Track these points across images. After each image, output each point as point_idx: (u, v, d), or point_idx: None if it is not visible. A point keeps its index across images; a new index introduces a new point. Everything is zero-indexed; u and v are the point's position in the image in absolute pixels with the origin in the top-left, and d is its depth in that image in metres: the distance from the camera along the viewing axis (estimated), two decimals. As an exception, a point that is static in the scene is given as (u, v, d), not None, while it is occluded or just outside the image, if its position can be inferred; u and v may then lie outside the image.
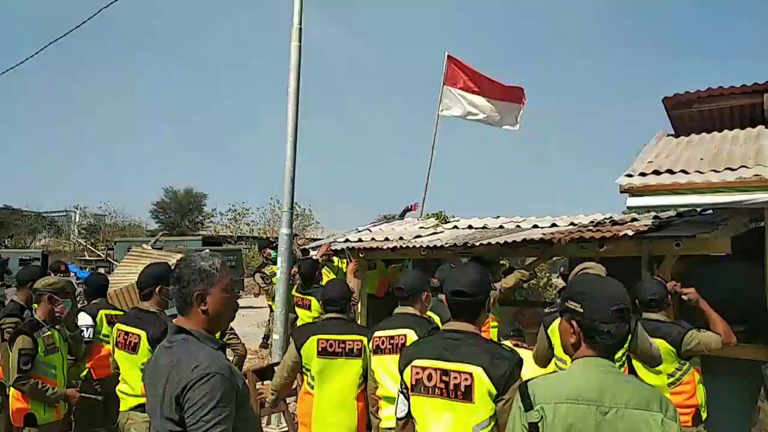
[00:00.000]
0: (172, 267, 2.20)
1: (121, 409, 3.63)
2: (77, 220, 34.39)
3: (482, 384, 2.25)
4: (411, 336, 3.25)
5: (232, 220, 28.92)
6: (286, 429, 5.64)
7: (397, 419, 2.52)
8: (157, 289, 3.63)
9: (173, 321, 2.10)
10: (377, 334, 3.42)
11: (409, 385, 2.43)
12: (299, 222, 26.79)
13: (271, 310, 6.99)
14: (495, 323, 5.10)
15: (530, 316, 7.12)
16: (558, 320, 2.14)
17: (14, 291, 5.57)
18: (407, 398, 2.44)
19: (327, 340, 3.55)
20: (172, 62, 70.83)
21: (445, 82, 8.00)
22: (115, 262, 14.98)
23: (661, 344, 3.47)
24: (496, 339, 4.94)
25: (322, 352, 3.54)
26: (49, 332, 3.83)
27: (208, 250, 2.39)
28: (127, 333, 3.57)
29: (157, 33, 71.32)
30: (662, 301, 3.70)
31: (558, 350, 3.42)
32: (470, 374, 2.27)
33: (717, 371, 4.96)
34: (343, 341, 3.56)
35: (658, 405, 1.72)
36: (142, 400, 3.12)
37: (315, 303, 5.67)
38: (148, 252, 12.06)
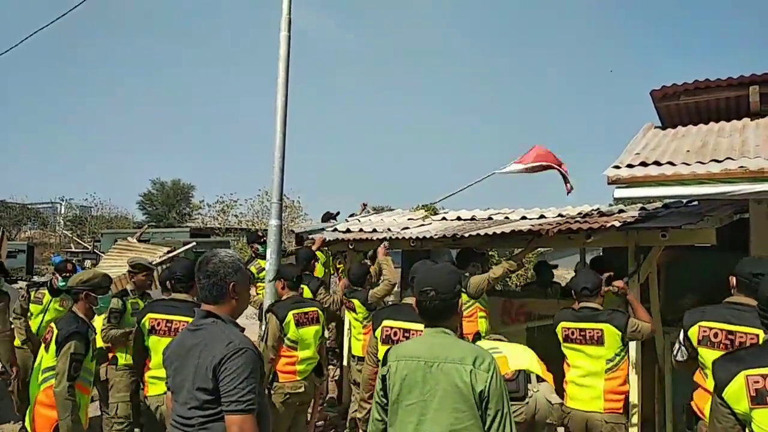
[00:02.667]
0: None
1: (152, 394, 3.95)
2: (63, 211, 34.06)
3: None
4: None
5: (220, 212, 28.70)
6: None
7: None
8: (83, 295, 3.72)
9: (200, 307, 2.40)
10: (388, 323, 3.59)
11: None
12: (288, 214, 26.64)
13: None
14: (483, 314, 5.11)
15: (517, 308, 7.18)
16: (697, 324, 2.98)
17: None
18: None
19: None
20: (159, 53, 70.15)
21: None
22: (101, 254, 14.83)
23: (606, 328, 3.87)
24: (483, 330, 4.98)
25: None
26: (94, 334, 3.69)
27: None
28: (169, 321, 3.84)
29: (144, 24, 70.52)
30: (594, 291, 4.04)
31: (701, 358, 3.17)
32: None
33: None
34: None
35: (472, 360, 2.12)
36: None
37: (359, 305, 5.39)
38: (133, 245, 11.95)
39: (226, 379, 2.11)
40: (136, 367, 4.14)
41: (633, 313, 4.05)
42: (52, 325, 3.63)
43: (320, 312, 4.72)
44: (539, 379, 3.64)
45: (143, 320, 3.89)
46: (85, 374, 3.53)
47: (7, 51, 9.76)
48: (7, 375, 6.04)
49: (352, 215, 7.37)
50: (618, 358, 3.90)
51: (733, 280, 3.16)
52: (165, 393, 3.59)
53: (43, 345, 3.60)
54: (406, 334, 3.43)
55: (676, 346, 3.41)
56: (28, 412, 3.56)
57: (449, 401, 2.11)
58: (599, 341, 3.91)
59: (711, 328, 3.14)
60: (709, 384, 2.93)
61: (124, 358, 4.79)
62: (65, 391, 3.34)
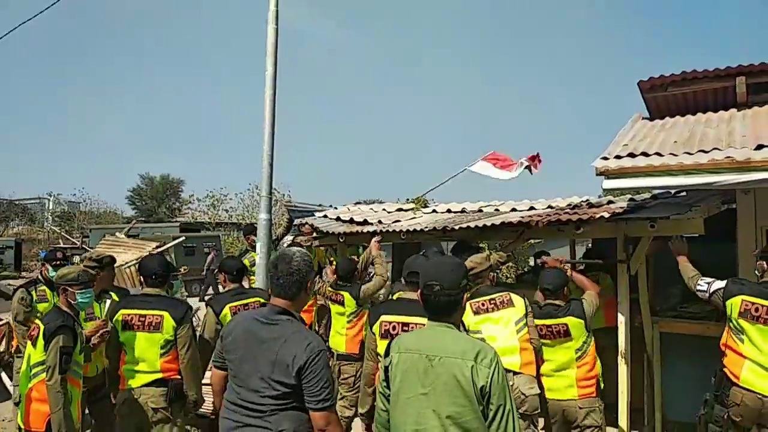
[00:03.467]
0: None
1: (131, 386, 3.78)
2: (51, 207, 33.77)
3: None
4: None
5: (210, 206, 28.59)
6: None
7: None
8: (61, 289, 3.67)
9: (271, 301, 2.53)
10: (387, 318, 3.49)
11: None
12: (278, 209, 26.59)
13: None
14: None
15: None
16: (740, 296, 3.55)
17: None
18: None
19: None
20: (148, 48, 69.53)
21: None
22: (90, 250, 14.75)
23: (569, 321, 3.97)
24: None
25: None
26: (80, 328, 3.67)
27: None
28: (143, 315, 3.78)
29: (132, 20, 69.80)
30: (557, 290, 4.13)
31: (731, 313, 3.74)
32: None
33: (681, 350, 5.11)
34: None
35: (474, 355, 2.11)
36: (159, 375, 3.77)
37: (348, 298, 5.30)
38: (121, 240, 11.89)
39: (312, 381, 2.33)
40: (110, 362, 3.92)
41: (583, 289, 4.24)
42: (37, 321, 3.62)
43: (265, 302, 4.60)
44: (515, 374, 3.91)
45: (116, 316, 3.86)
46: (75, 367, 3.52)
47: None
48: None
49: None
50: (585, 345, 4.02)
51: (764, 264, 3.76)
52: (142, 386, 3.71)
53: (29, 341, 3.57)
54: (405, 328, 3.38)
55: (704, 286, 3.89)
56: (19, 408, 3.55)
57: (449, 395, 2.11)
58: (566, 334, 4.00)
59: (753, 303, 3.60)
60: (744, 349, 3.55)
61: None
62: (57, 384, 3.35)
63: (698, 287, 3.93)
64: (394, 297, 3.86)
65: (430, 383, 2.15)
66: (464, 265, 2.42)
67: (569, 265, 4.70)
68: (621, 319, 4.75)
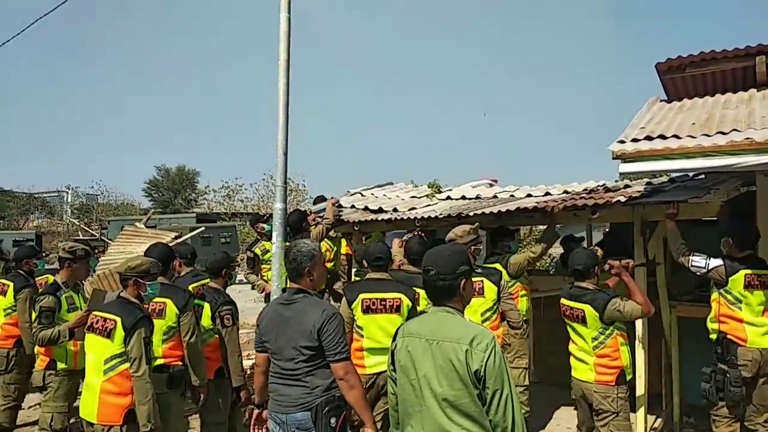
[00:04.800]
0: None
1: None
2: (69, 200, 34.20)
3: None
4: (405, 300, 4.11)
5: (225, 197, 28.76)
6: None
7: None
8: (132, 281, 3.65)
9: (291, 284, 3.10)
10: (366, 296, 4.11)
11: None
12: (293, 197, 26.65)
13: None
14: (524, 293, 5.09)
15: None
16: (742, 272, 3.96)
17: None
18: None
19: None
20: (163, 40, 69.79)
21: None
22: (109, 241, 14.92)
23: (586, 309, 3.97)
24: (524, 309, 4.94)
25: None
26: None
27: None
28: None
29: (146, 11, 70.06)
30: (587, 271, 4.08)
31: (732, 287, 4.08)
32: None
33: (699, 334, 5.08)
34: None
35: (469, 339, 2.15)
36: (161, 361, 3.95)
37: None
38: (141, 231, 11.98)
39: (328, 338, 2.88)
40: None
41: (629, 295, 4.01)
42: (101, 314, 3.54)
43: None
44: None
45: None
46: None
47: (9, 40, 9.73)
48: None
49: (320, 198, 7.30)
50: (602, 336, 3.97)
51: None
52: None
53: (94, 335, 3.51)
54: (383, 303, 4.08)
55: (700, 262, 4.10)
56: (84, 402, 3.49)
57: (446, 378, 2.16)
58: (582, 320, 4.02)
59: (756, 275, 4.03)
60: (743, 315, 3.98)
61: (64, 362, 4.38)
62: (146, 374, 3.39)
63: (694, 262, 4.14)
64: (365, 278, 4.30)
65: (428, 366, 2.20)
66: (464, 252, 2.42)
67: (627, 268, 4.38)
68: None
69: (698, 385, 4.17)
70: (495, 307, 4.54)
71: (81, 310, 4.27)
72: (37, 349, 4.45)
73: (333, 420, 2.91)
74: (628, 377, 4.05)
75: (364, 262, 4.45)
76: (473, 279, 4.07)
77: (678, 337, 5.19)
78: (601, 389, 3.98)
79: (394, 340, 2.41)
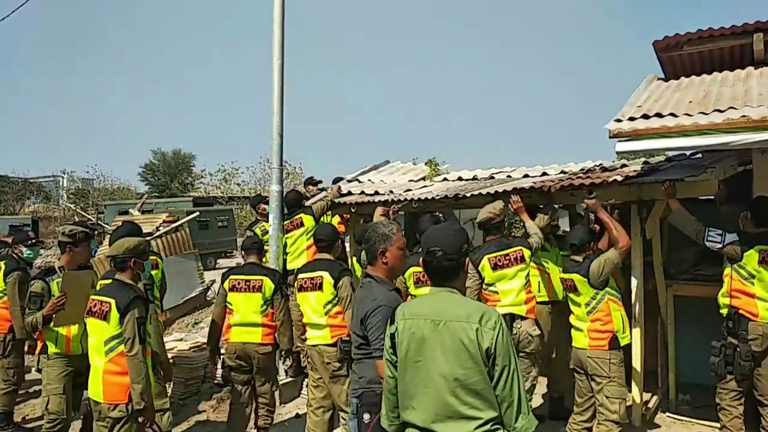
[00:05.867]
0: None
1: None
2: (65, 185, 34.08)
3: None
4: (326, 277, 4.29)
5: (222, 180, 28.72)
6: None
7: None
8: (131, 262, 3.66)
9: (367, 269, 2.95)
10: (300, 276, 4.42)
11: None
12: (290, 181, 26.62)
13: None
14: (616, 306, 4.55)
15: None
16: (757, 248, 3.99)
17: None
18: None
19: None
20: (156, 23, 69.00)
21: None
22: (106, 226, 14.89)
23: (575, 277, 4.23)
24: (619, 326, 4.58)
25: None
26: None
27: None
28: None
29: (136, -10, 69.14)
30: (582, 246, 4.32)
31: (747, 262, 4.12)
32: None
33: (695, 312, 5.12)
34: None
35: (478, 318, 2.13)
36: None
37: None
38: (135, 218, 11.97)
39: (370, 331, 2.74)
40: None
41: (608, 233, 4.30)
42: (98, 297, 3.58)
43: (159, 260, 5.22)
44: (522, 318, 4.44)
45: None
46: (148, 338, 3.62)
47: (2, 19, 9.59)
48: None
49: (339, 179, 7.22)
50: (594, 301, 4.18)
51: None
52: None
53: (93, 318, 3.55)
54: (312, 281, 4.34)
55: (716, 237, 4.10)
56: (92, 383, 3.57)
57: (455, 358, 2.13)
58: (574, 289, 4.27)
59: None
60: (755, 290, 4.01)
61: (55, 346, 4.31)
62: (139, 354, 3.44)
63: (710, 237, 4.13)
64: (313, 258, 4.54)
65: (436, 347, 2.18)
66: (465, 231, 2.45)
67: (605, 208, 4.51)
68: (635, 283, 4.74)
69: (694, 363, 4.22)
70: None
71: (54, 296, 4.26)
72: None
73: (366, 416, 2.77)
74: (622, 342, 4.19)
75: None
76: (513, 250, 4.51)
77: (674, 316, 5.22)
78: (594, 354, 4.15)
79: (392, 322, 2.38)
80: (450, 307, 2.22)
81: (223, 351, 4.77)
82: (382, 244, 2.85)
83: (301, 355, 5.75)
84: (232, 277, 4.68)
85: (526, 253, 4.51)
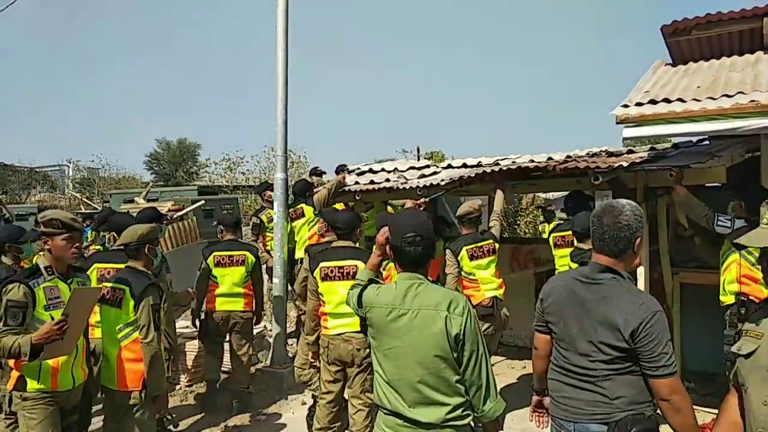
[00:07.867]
0: (609, 210, 2.28)
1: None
2: (70, 174, 34.16)
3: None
4: (361, 266, 3.96)
5: (227, 169, 28.68)
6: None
7: None
8: (145, 249, 3.67)
9: (597, 259, 2.30)
10: (324, 264, 4.12)
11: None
12: (295, 170, 26.57)
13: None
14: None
15: (526, 255, 7.20)
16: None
17: None
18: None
19: None
20: (162, 12, 68.80)
21: None
22: (112, 214, 14.90)
23: (573, 267, 4.22)
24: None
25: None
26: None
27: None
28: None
29: (139, -22, 68.91)
30: (586, 233, 4.09)
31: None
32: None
33: (701, 301, 5.09)
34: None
35: (446, 305, 2.17)
36: None
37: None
38: (140, 205, 12.01)
39: (649, 345, 2.14)
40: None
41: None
42: (109, 285, 3.53)
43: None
44: (501, 300, 4.87)
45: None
46: (162, 325, 3.64)
47: (5, 8, 9.56)
48: None
49: (341, 167, 7.17)
50: None
51: None
52: None
53: (106, 305, 3.52)
54: (340, 270, 4.09)
55: (726, 222, 4.11)
56: (103, 370, 3.53)
57: (425, 346, 2.17)
58: None
59: None
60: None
61: (36, 381, 3.04)
62: (155, 341, 3.46)
63: (720, 223, 4.15)
64: (332, 245, 4.30)
65: (405, 335, 2.21)
66: (430, 216, 2.51)
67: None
68: (641, 271, 4.72)
69: (699, 352, 4.20)
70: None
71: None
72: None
73: None
74: None
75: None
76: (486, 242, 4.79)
77: (680, 304, 5.20)
78: None
79: (360, 306, 2.40)
80: (418, 294, 2.24)
81: (202, 316, 5.39)
82: (641, 231, 2.29)
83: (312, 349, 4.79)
84: (216, 253, 5.27)
85: (496, 246, 4.91)
